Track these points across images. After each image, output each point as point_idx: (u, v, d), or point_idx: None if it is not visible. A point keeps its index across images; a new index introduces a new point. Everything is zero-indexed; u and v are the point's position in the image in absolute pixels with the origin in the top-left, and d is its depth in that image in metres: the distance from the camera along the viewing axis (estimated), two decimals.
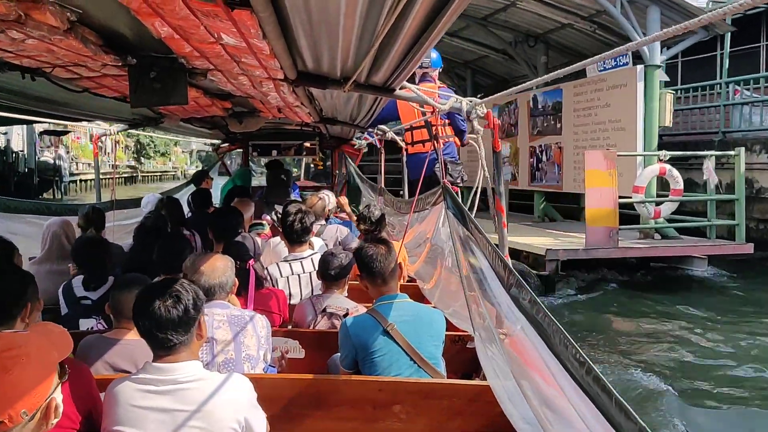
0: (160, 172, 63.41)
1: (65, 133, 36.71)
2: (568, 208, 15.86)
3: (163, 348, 2.25)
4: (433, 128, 6.26)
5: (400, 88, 3.44)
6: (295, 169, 22.75)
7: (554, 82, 14.01)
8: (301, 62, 3.04)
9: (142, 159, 60.95)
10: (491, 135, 3.27)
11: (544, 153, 15.07)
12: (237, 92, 4.26)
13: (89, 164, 39.70)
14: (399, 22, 2.09)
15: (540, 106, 15.13)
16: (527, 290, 2.06)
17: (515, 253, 11.10)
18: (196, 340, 2.31)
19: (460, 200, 3.37)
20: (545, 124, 14.97)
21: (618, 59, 12.28)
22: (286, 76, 3.21)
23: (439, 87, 6.77)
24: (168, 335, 2.22)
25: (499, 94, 3.58)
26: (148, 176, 58.64)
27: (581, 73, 13.04)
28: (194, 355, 2.32)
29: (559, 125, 14.41)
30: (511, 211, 14.21)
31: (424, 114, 6.47)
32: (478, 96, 14.40)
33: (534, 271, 10.82)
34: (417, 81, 6.89)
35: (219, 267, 3.12)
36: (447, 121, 6.84)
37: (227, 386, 2.26)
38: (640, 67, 11.84)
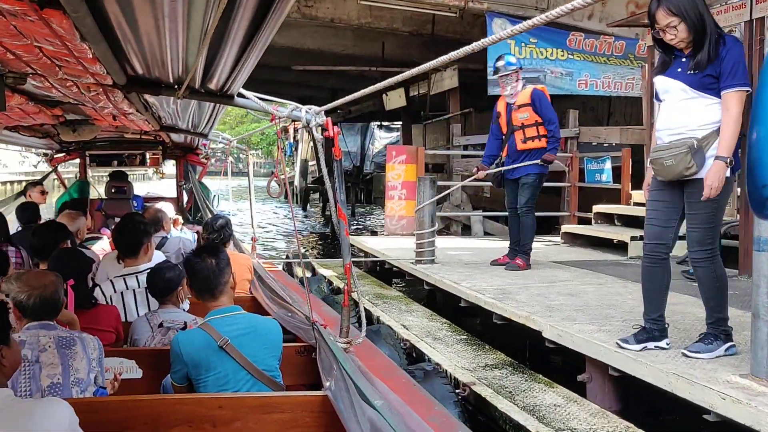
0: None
1: None
2: None
3: None
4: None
5: (239, 95, 3.36)
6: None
7: None
8: (130, 67, 2.89)
9: None
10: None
11: None
12: (66, 99, 4.00)
13: None
14: (225, 24, 2.03)
15: None
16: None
17: None
18: None
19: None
20: None
21: None
22: (115, 82, 3.05)
23: None
24: None
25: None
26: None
27: None
28: None
29: None
30: None
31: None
32: None
33: None
34: None
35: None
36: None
37: (40, 412, 2.09)
38: None
